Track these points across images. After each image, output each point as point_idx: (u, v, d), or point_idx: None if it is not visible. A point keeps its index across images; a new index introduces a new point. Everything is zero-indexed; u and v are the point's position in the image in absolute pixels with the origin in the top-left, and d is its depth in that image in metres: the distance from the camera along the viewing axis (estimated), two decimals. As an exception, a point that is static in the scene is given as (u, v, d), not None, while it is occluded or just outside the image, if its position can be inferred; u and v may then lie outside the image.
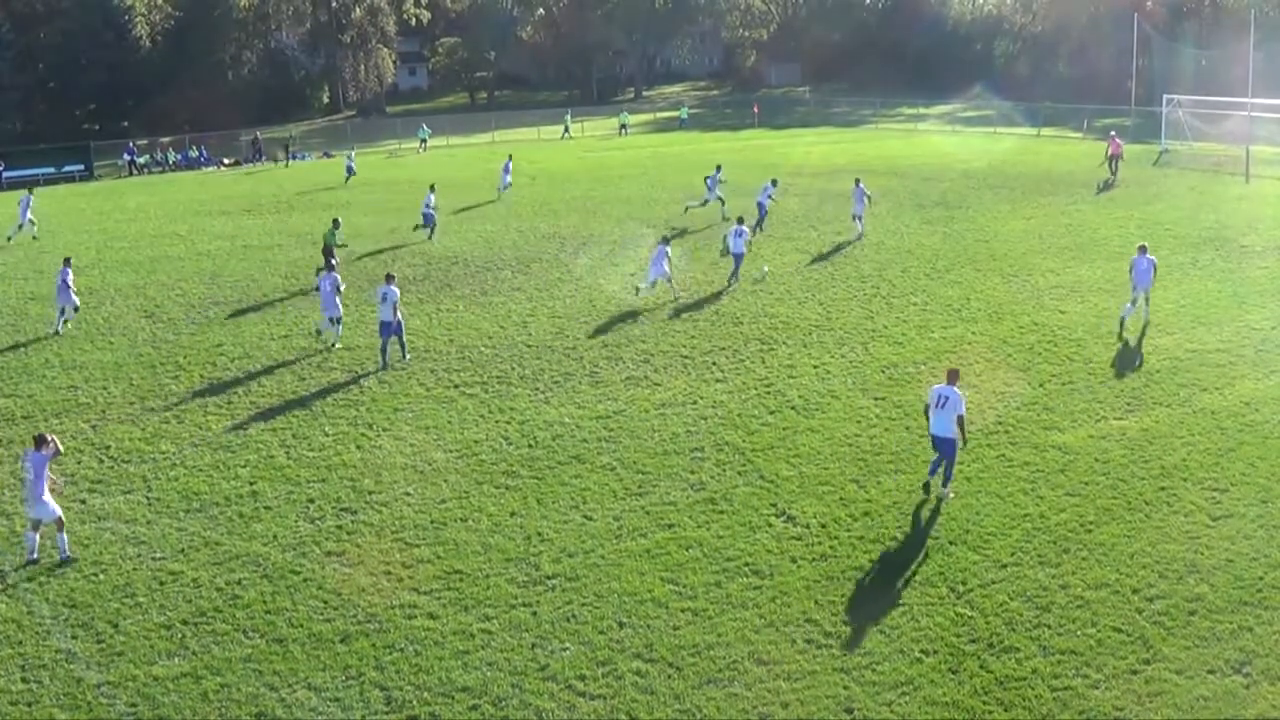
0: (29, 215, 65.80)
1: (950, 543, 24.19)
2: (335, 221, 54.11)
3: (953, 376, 26.76)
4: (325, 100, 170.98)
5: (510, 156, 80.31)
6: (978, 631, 20.72)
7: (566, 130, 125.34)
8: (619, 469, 28.78)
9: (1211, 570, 22.67)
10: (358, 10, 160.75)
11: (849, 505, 26.25)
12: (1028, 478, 27.43)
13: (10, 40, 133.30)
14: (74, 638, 21.51)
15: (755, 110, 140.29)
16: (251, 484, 28.55)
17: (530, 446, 30.41)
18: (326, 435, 31.71)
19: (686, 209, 64.05)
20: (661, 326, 41.29)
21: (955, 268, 49.30)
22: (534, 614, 21.81)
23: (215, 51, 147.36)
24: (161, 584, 23.51)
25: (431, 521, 26.10)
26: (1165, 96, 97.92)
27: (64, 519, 25.05)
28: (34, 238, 65.33)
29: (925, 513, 25.77)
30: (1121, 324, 39.81)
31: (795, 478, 27.89)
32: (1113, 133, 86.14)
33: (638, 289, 45.14)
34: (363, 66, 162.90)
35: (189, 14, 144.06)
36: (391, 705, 19.14)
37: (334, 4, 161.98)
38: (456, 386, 35.37)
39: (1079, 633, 20.55)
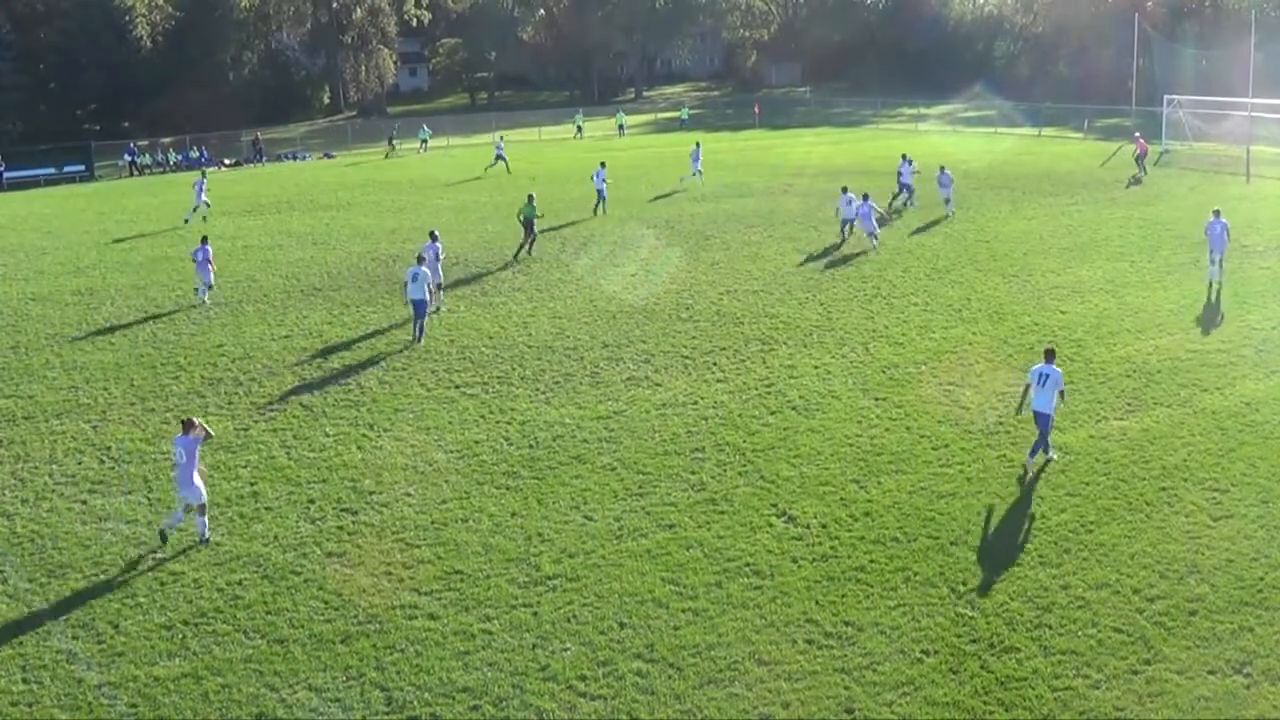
0: (204, 197, 71.00)
1: (951, 543, 24.19)
2: (530, 197, 56.19)
3: (1050, 355, 28.49)
4: (326, 101, 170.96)
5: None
6: (978, 632, 20.72)
7: (579, 130, 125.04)
8: (620, 469, 28.78)
9: (1212, 570, 22.66)
10: (358, 11, 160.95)
11: (849, 505, 26.25)
12: (1028, 478, 27.43)
13: (11, 41, 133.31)
14: (75, 638, 21.50)
15: (756, 110, 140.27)
16: (252, 484, 28.56)
17: (531, 447, 30.42)
18: (327, 436, 31.71)
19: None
20: (662, 327, 41.27)
21: (956, 268, 49.31)
22: (535, 614, 21.80)
23: (216, 52, 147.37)
24: (162, 585, 23.51)
25: (432, 522, 26.09)
26: (1166, 97, 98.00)
27: (206, 504, 25.71)
28: (204, 219, 69.19)
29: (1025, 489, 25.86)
30: (1210, 288, 43.18)
31: (796, 478, 27.88)
32: (1137, 134, 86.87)
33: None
34: (363, 67, 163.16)
35: (189, 14, 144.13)
36: (392, 706, 19.14)
37: (335, 5, 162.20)
38: (457, 387, 35.37)
39: (1080, 633, 20.55)
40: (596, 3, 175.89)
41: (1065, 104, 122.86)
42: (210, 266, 47.30)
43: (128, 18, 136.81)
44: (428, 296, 40.64)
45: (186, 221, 68.84)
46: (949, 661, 19.85)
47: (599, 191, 65.81)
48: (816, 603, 21.96)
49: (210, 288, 47.59)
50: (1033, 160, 77.42)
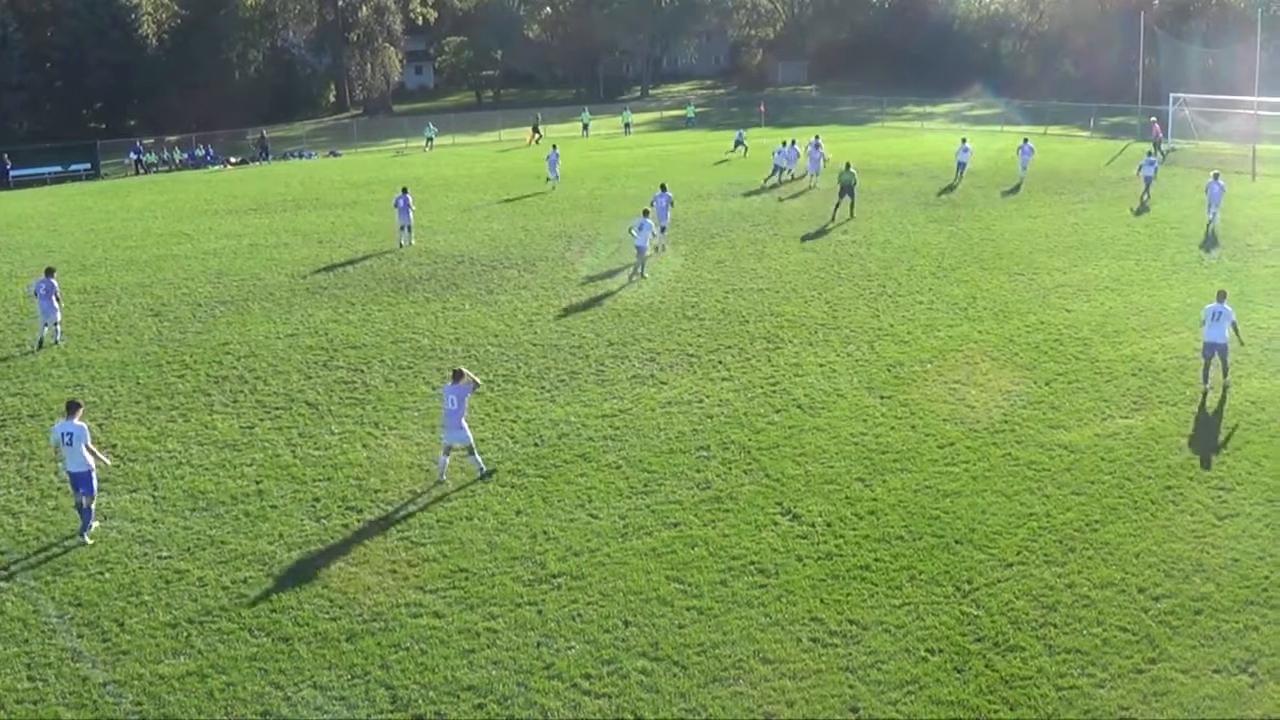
0: (557, 171, 78.87)
1: (956, 541, 24.17)
2: (848, 164, 64.58)
3: (1222, 296, 33.31)
4: (332, 99, 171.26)
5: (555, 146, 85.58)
6: (983, 630, 20.70)
7: (585, 129, 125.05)
8: (625, 467, 28.77)
9: (1217, 569, 22.65)
10: (364, 9, 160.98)
11: (854, 504, 26.24)
12: (1034, 476, 27.40)
13: (18, 40, 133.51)
14: (80, 636, 21.51)
15: (761, 109, 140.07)
16: (258, 483, 28.56)
17: (536, 445, 30.42)
18: (332, 434, 31.72)
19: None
20: (668, 325, 41.27)
21: (961, 266, 49.30)
22: (539, 612, 21.80)
23: (221, 51, 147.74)
24: (167, 583, 23.52)
25: (437, 520, 26.09)
26: (1171, 95, 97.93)
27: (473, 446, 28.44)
28: (554, 188, 77.46)
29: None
30: (1207, 228, 54.63)
31: (801, 476, 27.87)
32: (1153, 120, 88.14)
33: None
34: (369, 65, 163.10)
35: (195, 13, 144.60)
36: (397, 704, 19.14)
37: (340, 3, 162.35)
38: (462, 385, 35.37)
39: (1085, 632, 20.53)
40: (602, 1, 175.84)
41: (1071, 102, 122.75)
42: (57, 303, 41.93)
43: (134, 17, 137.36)
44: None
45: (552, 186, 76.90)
46: (954, 660, 19.84)
47: (662, 228, 56.82)
48: (821, 601, 21.94)
49: (58, 325, 42.35)
50: (1038, 159, 77.29)
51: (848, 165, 64.55)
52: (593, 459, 29.41)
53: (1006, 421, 30.97)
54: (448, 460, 28.30)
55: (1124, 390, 33.23)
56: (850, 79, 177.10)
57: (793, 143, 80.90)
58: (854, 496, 26.67)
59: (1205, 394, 32.74)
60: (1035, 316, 41.16)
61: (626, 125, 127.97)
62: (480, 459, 28.47)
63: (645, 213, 50.79)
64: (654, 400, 33.63)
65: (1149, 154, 73.89)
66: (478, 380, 30.13)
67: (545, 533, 25.31)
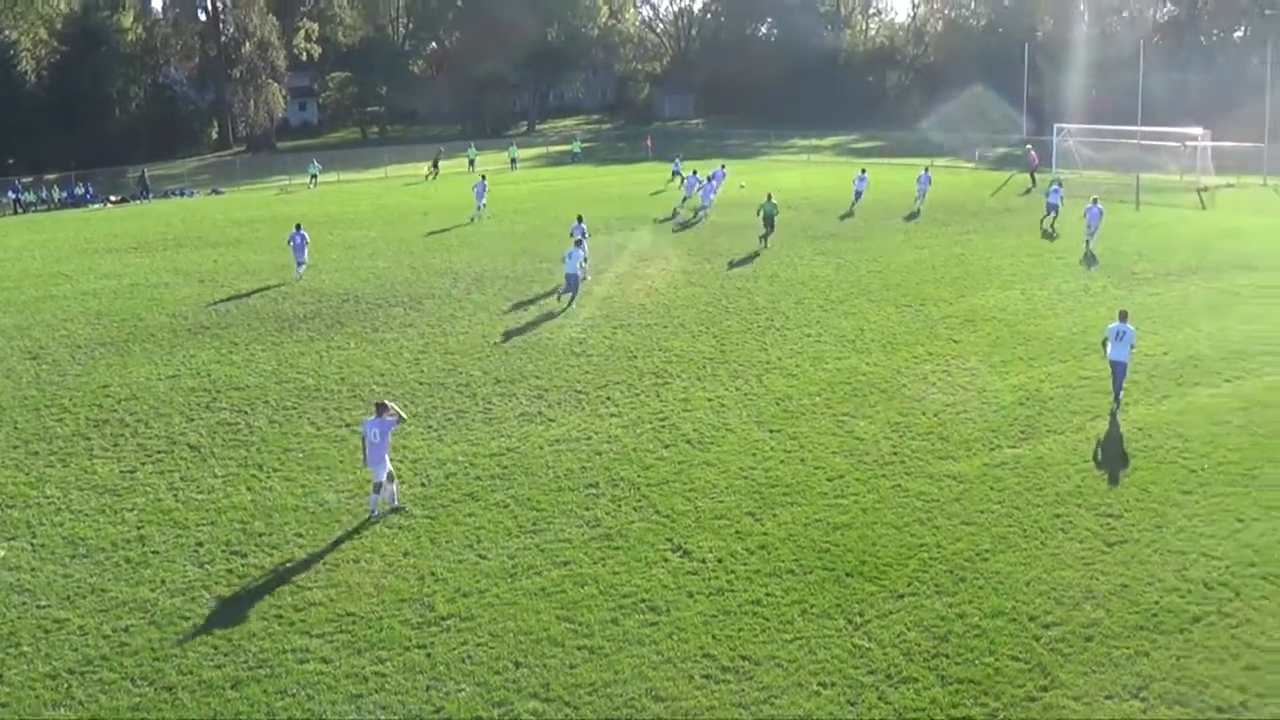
0: (484, 200, 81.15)
1: (847, 574, 24.25)
2: (769, 196, 66.57)
3: (1124, 316, 34.94)
4: (214, 136, 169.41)
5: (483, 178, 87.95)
6: (875, 663, 20.76)
7: (472, 164, 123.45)
8: (513, 506, 28.62)
9: (1107, 596, 22.88)
10: (247, 44, 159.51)
11: (745, 539, 26.26)
12: (923, 507, 27.58)
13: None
14: (-46, 690, 21.06)
15: (648, 143, 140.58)
16: (139, 528, 28.10)
17: (423, 485, 30.20)
18: (216, 477, 31.31)
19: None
20: (556, 362, 41.18)
21: (849, 299, 49.63)
22: (428, 655, 21.60)
23: (102, 87, 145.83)
24: (47, 632, 23.06)
25: (323, 563, 25.80)
26: (1056, 125, 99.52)
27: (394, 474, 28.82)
28: (479, 218, 79.59)
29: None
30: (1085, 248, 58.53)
31: (691, 512, 27.87)
32: (1029, 146, 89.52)
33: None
34: (253, 101, 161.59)
35: (75, 49, 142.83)
36: (283, 752, 18.89)
37: (223, 38, 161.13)
38: (348, 425, 35.01)
39: (977, 661, 20.65)
40: (488, 35, 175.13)
41: (957, 133, 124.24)
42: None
43: (12, 53, 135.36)
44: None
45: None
46: (846, 694, 19.87)
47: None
48: (713, 637, 21.92)
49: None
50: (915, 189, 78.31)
51: (769, 196, 66.32)
52: (481, 498, 29.24)
53: (895, 453, 31.18)
54: (379, 497, 28.28)
55: (1011, 420, 33.57)
56: (737, 113, 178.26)
57: (693, 173, 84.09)
58: (744, 531, 26.69)
59: (1116, 409, 34.16)
60: (923, 347, 41.51)
61: (513, 160, 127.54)
62: (397, 490, 28.65)
63: (578, 242, 52.49)
64: (542, 438, 33.52)
65: (1055, 181, 74.77)
66: (402, 414, 29.97)
67: (433, 574, 25.11)
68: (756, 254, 61.16)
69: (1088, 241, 59.90)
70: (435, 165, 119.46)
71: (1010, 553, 25.01)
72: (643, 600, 23.53)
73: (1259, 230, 66.39)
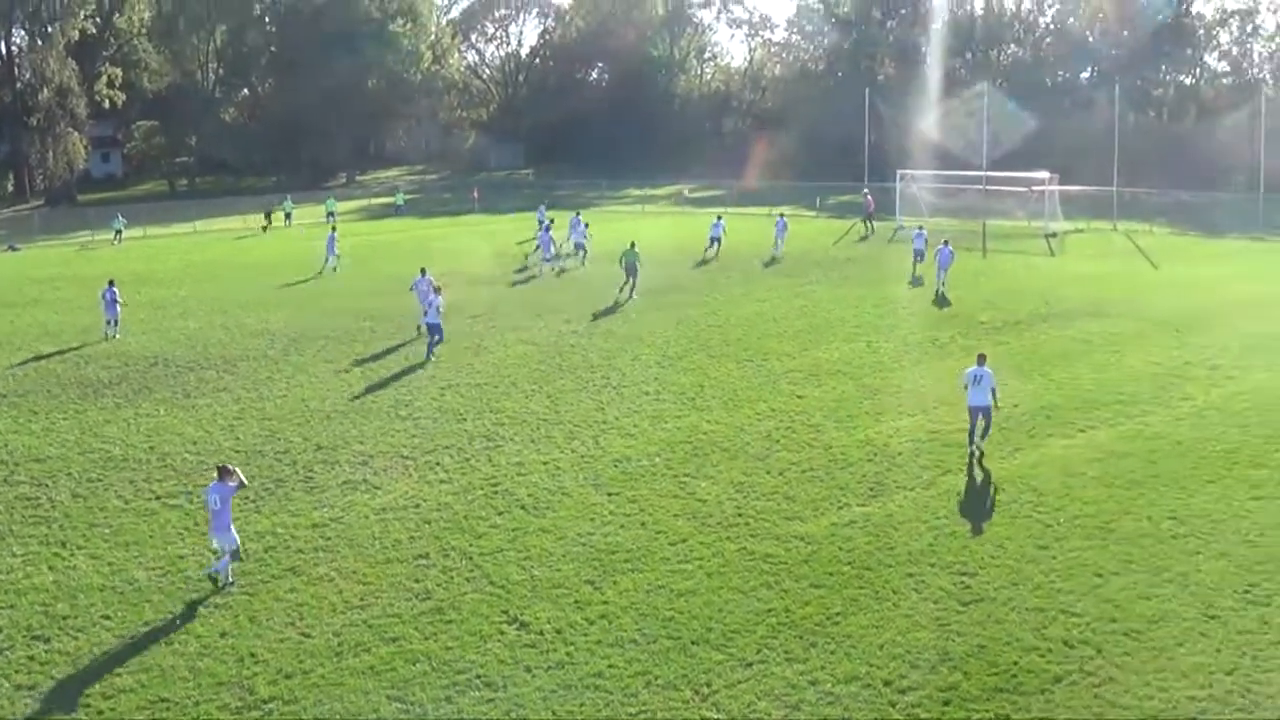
0: (335, 250, 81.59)
1: (692, 642, 24.22)
2: (632, 244, 66.94)
3: (982, 360, 36.04)
4: (10, 189, 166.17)
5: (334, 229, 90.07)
6: (724, 736, 20.73)
7: (288, 218, 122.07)
8: (338, 580, 28.24)
9: (964, 657, 23.08)
10: (45, 91, 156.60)
11: (584, 608, 26.15)
12: (770, 570, 27.65)
13: None
14: None
15: (475, 195, 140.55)
16: (-74, 615, 27.37)
17: (240, 560, 29.71)
18: (15, 556, 30.48)
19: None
20: (380, 425, 40.83)
21: (688, 354, 49.90)
22: (247, 743, 21.23)
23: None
24: None
25: (134, 646, 25.21)
26: (899, 172, 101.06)
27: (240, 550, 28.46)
28: (334, 270, 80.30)
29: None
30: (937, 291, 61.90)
31: (527, 581, 27.69)
32: (865, 192, 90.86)
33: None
34: (51, 152, 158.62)
35: None
36: None
37: (19, 84, 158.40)
38: (159, 498, 34.36)
39: (829, 731, 20.72)
40: (304, 82, 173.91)
41: (797, 182, 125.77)
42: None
43: None
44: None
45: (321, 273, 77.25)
46: (694, 769, 19.83)
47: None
48: (553, 714, 21.75)
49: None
50: (765, 240, 79.17)
51: (631, 245, 66.94)
52: (303, 572, 28.81)
53: (740, 514, 31.27)
54: (228, 561, 28.03)
55: (859, 476, 33.87)
56: (569, 161, 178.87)
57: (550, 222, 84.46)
58: (584, 600, 26.59)
59: (972, 455, 35.12)
60: (766, 404, 41.80)
61: (330, 214, 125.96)
62: (231, 568, 28.08)
63: (437, 290, 52.78)
64: (367, 507, 33.15)
65: (918, 227, 76.01)
66: (244, 479, 29.53)
67: (253, 655, 24.65)
68: (616, 305, 62.01)
69: (939, 282, 62.80)
70: (269, 217, 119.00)
71: (862, 615, 25.16)
72: (478, 676, 23.29)
73: (1109, 276, 68.12)
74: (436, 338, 51.54)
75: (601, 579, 27.65)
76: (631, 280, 65.20)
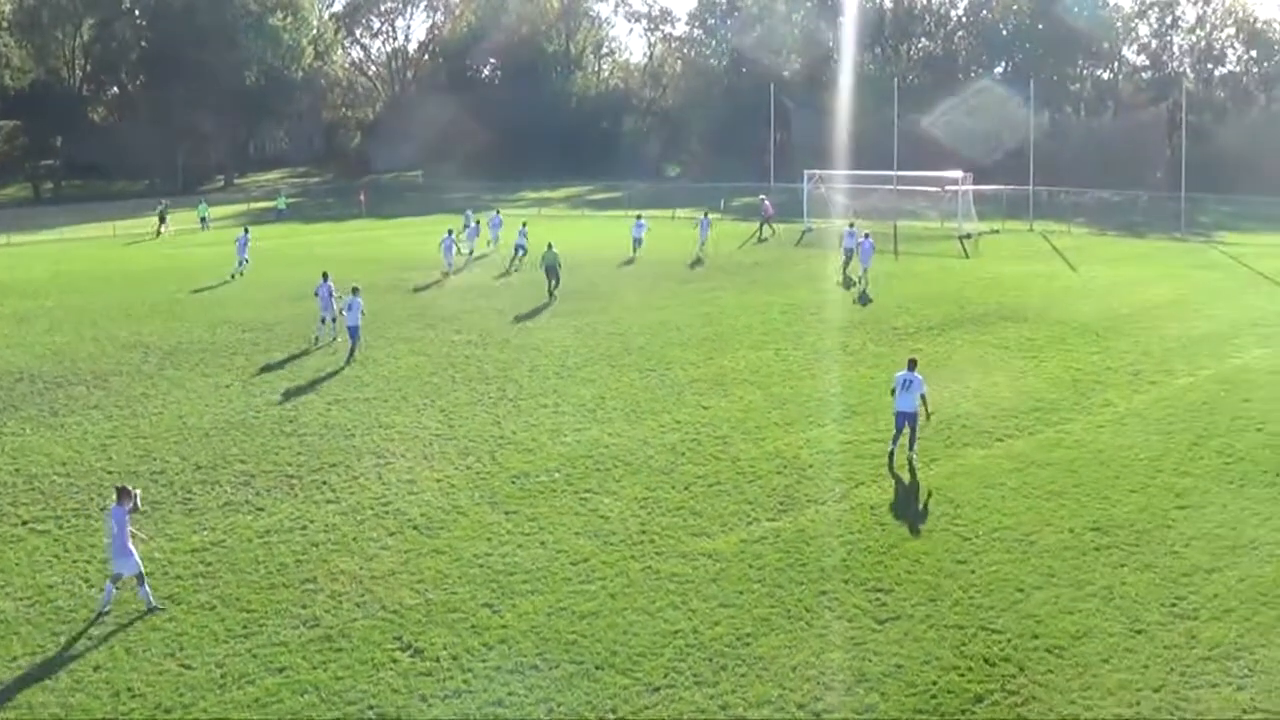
0: (246, 253, 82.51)
1: (596, 667, 24.24)
2: (550, 245, 69.56)
3: (913, 364, 36.55)
4: None
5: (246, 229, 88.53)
6: (630, 764, 20.78)
7: (164, 223, 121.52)
8: (220, 608, 28.02)
9: (881, 678, 23.24)
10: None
11: (482, 633, 26.10)
12: (677, 590, 27.73)
13: None
14: None
15: (362, 198, 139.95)
16: None
17: (114, 589, 29.46)
18: None
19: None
20: (263, 443, 40.56)
21: (588, 364, 49.93)
22: (123, 782, 21.05)
23: None
24: None
25: (0, 685, 25.02)
26: (806, 172, 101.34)
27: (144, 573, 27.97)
28: (241, 274, 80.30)
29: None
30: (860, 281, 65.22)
31: (421, 606, 27.61)
32: (763, 197, 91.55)
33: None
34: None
35: None
36: None
37: None
38: (25, 523, 33.95)
39: (741, 757, 20.79)
40: (177, 79, 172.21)
41: (701, 182, 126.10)
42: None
43: None
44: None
45: (232, 277, 78.81)
46: (599, 800, 19.85)
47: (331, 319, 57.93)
48: (449, 745, 21.75)
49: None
50: (654, 244, 79.61)
51: (550, 246, 69.40)
52: (182, 600, 28.56)
53: (644, 531, 31.33)
54: (114, 590, 27.84)
55: (769, 490, 34.01)
56: (461, 161, 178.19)
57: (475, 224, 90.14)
58: (481, 625, 26.53)
59: (891, 463, 35.97)
60: (670, 415, 41.89)
61: (202, 220, 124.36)
62: (150, 591, 27.91)
63: (355, 290, 54.23)
64: (250, 529, 32.91)
65: (849, 225, 76.38)
66: (139, 502, 29.26)
67: (129, 689, 24.40)
68: (545, 306, 63.09)
69: (863, 275, 67.46)
70: (163, 220, 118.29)
71: (774, 635, 25.28)
72: (370, 707, 23.20)
73: (1025, 278, 68.89)
74: (354, 340, 53.12)
75: (499, 602, 27.62)
76: (552, 281, 67.33)
